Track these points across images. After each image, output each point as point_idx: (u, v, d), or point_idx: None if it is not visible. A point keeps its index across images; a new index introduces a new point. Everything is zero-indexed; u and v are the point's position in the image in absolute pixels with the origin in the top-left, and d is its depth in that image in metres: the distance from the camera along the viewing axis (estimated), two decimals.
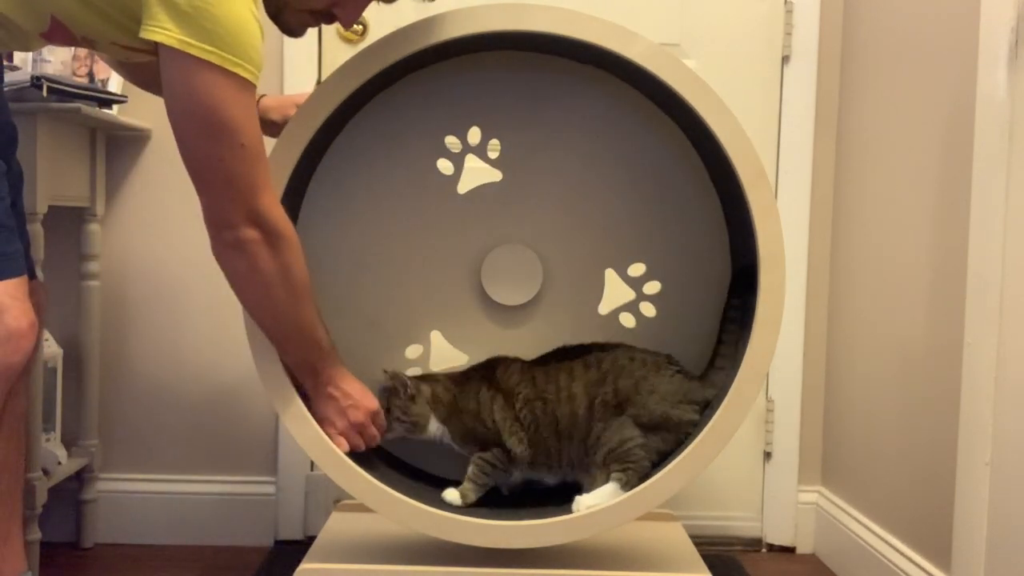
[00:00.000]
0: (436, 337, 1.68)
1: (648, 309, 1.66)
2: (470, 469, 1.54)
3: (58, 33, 1.33)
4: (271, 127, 1.57)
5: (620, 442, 1.47)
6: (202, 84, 1.20)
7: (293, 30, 1.42)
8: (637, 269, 1.66)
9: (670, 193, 1.65)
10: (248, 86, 1.23)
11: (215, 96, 1.20)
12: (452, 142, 1.64)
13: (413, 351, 1.68)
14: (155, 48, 1.22)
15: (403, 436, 1.55)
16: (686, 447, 1.44)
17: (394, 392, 1.53)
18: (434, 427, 1.54)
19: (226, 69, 1.19)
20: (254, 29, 1.22)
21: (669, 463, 1.44)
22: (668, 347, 1.59)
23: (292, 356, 1.43)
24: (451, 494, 1.53)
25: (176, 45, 1.18)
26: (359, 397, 1.46)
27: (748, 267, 1.53)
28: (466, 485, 1.53)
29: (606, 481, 1.47)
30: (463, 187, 1.65)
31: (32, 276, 1.56)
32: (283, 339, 1.42)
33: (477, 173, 1.66)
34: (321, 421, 1.45)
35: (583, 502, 1.46)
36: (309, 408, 1.45)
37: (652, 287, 1.65)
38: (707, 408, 1.50)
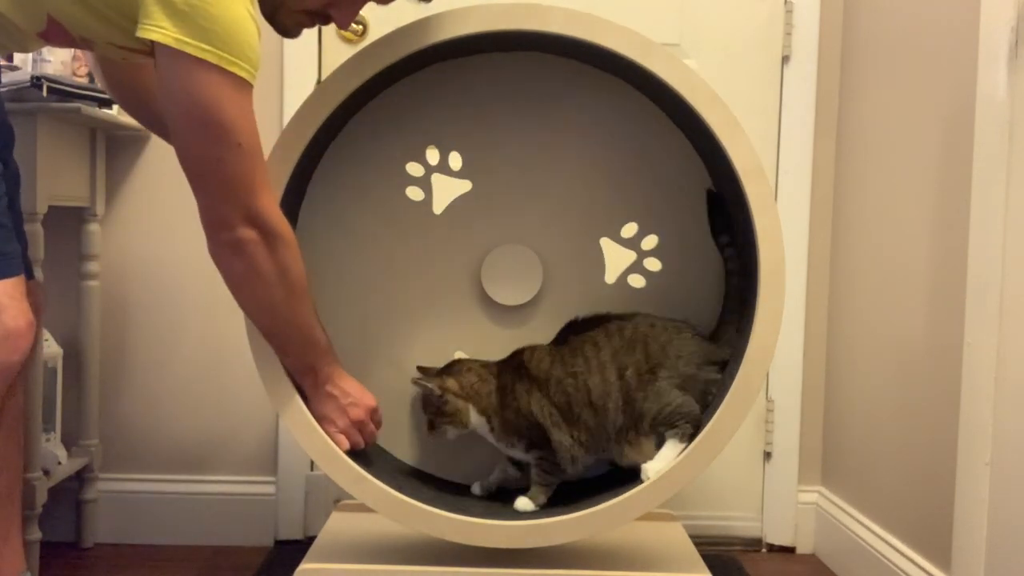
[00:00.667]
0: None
1: (653, 264, 1.66)
2: (533, 473, 1.55)
3: (55, 33, 1.33)
4: None
5: (662, 407, 1.48)
6: (199, 83, 1.19)
7: (289, 30, 1.41)
8: (630, 229, 1.65)
9: (670, 191, 1.65)
10: (245, 85, 1.23)
11: (212, 95, 1.20)
12: (417, 164, 1.64)
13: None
14: (152, 49, 1.22)
15: (458, 435, 1.56)
16: (686, 448, 1.44)
17: (427, 400, 1.54)
18: (475, 419, 1.54)
19: (223, 68, 1.19)
20: (251, 28, 1.22)
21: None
22: (681, 296, 1.62)
23: (290, 356, 1.43)
24: (523, 503, 1.53)
25: (172, 44, 1.17)
26: (358, 395, 1.46)
27: (716, 194, 1.57)
28: (534, 490, 1.53)
29: (655, 446, 1.48)
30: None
31: (30, 276, 1.56)
32: (281, 339, 1.42)
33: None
34: (321, 420, 1.45)
35: (651, 468, 1.45)
36: (308, 407, 1.45)
37: (649, 242, 1.65)
38: (724, 368, 1.52)
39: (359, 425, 1.46)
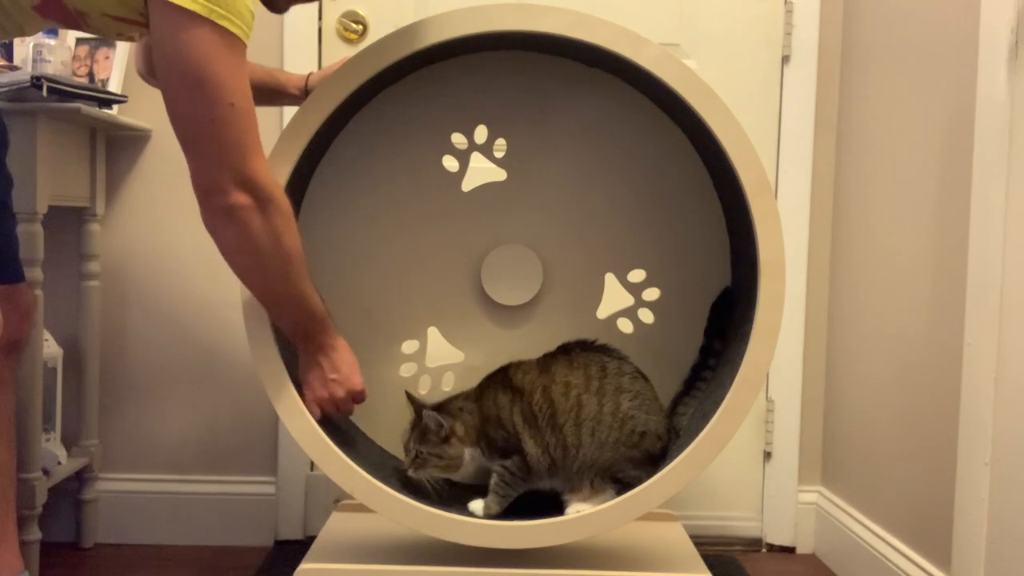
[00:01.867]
0: (433, 335, 1.68)
1: (646, 316, 1.66)
2: (492, 481, 1.52)
3: (51, 6, 1.30)
4: None
5: (616, 466, 1.48)
6: (190, 39, 1.17)
7: (278, 6, 1.39)
8: (637, 275, 1.66)
9: (672, 198, 1.65)
10: (238, 44, 1.20)
11: (202, 51, 1.17)
12: (459, 140, 1.64)
13: (409, 346, 1.68)
14: (146, 21, 1.20)
15: (439, 476, 1.52)
16: (685, 448, 1.44)
17: (426, 433, 1.51)
18: (467, 457, 1.52)
19: (214, 23, 1.16)
20: None
21: (669, 463, 1.44)
22: (664, 354, 1.62)
23: (285, 321, 1.42)
24: (476, 505, 1.51)
25: None
26: (346, 372, 1.45)
27: (727, 292, 1.58)
28: (490, 498, 1.52)
29: (591, 489, 1.49)
30: (468, 185, 1.65)
31: (20, 279, 1.56)
32: (275, 306, 1.40)
33: (482, 172, 1.66)
34: (303, 383, 1.45)
35: (580, 508, 1.46)
36: (299, 368, 1.44)
37: (651, 294, 1.66)
38: (708, 370, 1.55)
39: (336, 401, 1.46)
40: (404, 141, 1.64)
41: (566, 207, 1.66)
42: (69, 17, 1.32)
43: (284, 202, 1.31)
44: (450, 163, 1.65)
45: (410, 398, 1.55)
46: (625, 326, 1.67)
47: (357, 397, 1.48)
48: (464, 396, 1.56)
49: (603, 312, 1.66)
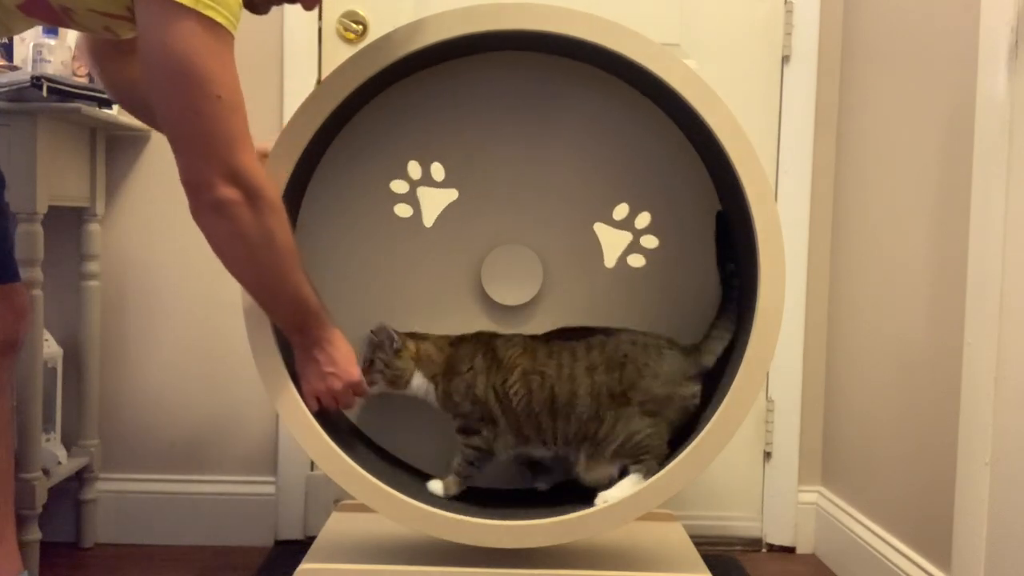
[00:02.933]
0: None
1: (649, 241, 1.66)
2: (455, 461, 1.55)
3: (36, 5, 1.28)
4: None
5: (629, 436, 1.48)
6: (176, 30, 1.15)
7: (257, 7, 1.38)
8: (622, 210, 1.65)
9: (653, 157, 1.65)
10: (224, 35, 1.18)
11: (188, 43, 1.15)
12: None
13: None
14: (133, 16, 1.19)
15: (384, 391, 1.55)
16: (685, 448, 1.44)
17: (379, 346, 1.54)
18: (418, 382, 1.55)
19: (200, 13, 1.15)
20: None
21: (669, 463, 1.44)
22: (683, 268, 1.63)
23: (278, 315, 1.42)
24: (435, 485, 1.55)
25: None
26: (343, 365, 1.45)
27: (720, 217, 1.58)
28: (450, 478, 1.55)
29: (614, 471, 1.50)
30: (428, 219, 1.65)
31: (15, 278, 1.55)
32: (267, 301, 1.39)
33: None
34: (300, 377, 1.45)
35: (607, 495, 1.46)
36: (295, 363, 1.44)
37: (643, 219, 1.65)
38: (706, 375, 1.53)
39: (335, 394, 1.46)
40: (395, 146, 1.64)
41: (565, 205, 1.65)
42: (54, 15, 1.30)
43: (274, 195, 1.29)
44: (402, 209, 1.65)
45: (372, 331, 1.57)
46: (636, 261, 1.66)
47: (356, 389, 1.47)
48: (441, 336, 1.59)
49: (610, 260, 1.66)
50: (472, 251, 1.66)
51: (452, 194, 1.65)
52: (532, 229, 1.66)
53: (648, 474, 1.46)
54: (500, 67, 1.63)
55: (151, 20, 1.16)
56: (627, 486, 1.47)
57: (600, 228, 1.66)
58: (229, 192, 1.23)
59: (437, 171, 1.65)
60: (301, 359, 1.45)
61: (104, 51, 1.54)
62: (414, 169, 1.64)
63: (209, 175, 1.22)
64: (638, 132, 1.64)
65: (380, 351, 1.54)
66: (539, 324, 1.65)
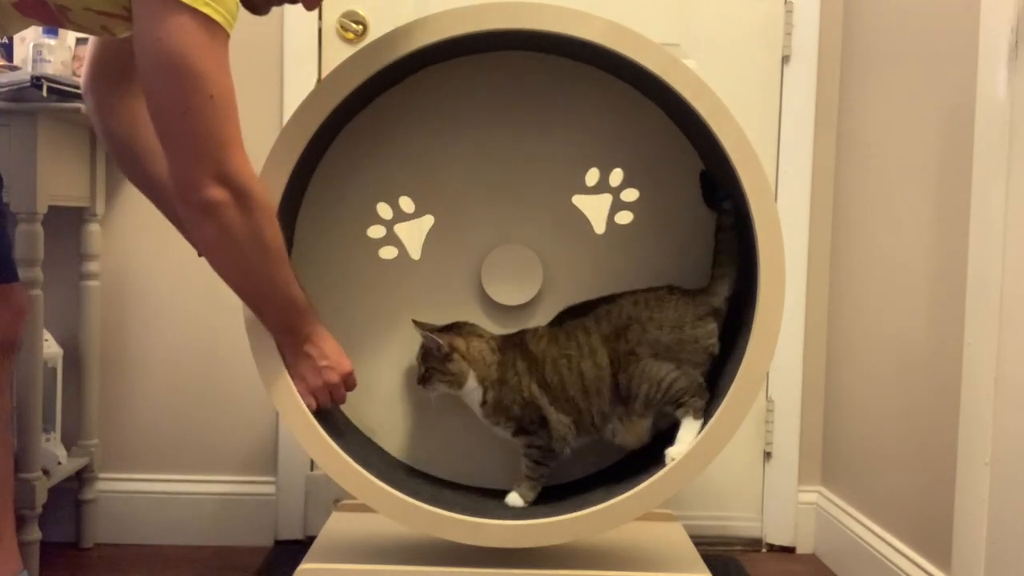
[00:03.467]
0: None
1: (630, 195, 1.65)
2: (523, 466, 1.55)
3: (32, 4, 1.27)
4: None
5: (655, 383, 1.49)
6: (172, 27, 1.13)
7: (257, 7, 1.37)
8: (593, 176, 1.65)
9: (671, 194, 1.65)
10: (220, 33, 1.17)
11: (184, 40, 1.14)
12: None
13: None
14: (129, 15, 1.18)
15: (445, 393, 1.56)
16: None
17: (428, 352, 1.54)
18: (471, 383, 1.54)
19: (196, 10, 1.13)
20: None
21: (669, 464, 1.44)
22: (674, 211, 1.64)
23: (268, 317, 1.41)
24: (513, 498, 1.55)
25: None
26: (335, 358, 1.45)
27: (705, 173, 1.58)
28: (524, 485, 1.55)
29: (649, 427, 1.52)
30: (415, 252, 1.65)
31: (13, 278, 1.55)
32: (257, 302, 1.39)
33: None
34: (293, 377, 1.44)
35: (674, 451, 1.46)
36: (285, 364, 1.44)
37: (616, 176, 1.65)
38: (718, 316, 1.53)
39: (331, 387, 1.45)
40: (390, 146, 1.64)
41: (565, 204, 1.65)
42: (50, 15, 1.30)
43: (263, 196, 1.28)
44: (380, 245, 1.65)
45: (416, 324, 1.56)
46: (624, 218, 1.65)
47: (348, 381, 1.47)
48: (492, 337, 1.59)
49: (599, 227, 1.66)
50: (472, 251, 1.66)
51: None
52: (532, 229, 1.66)
53: (697, 414, 1.47)
54: (499, 66, 1.63)
55: (147, 15, 1.15)
56: (686, 435, 1.47)
57: (579, 199, 1.65)
58: (218, 193, 1.22)
59: (406, 204, 1.65)
60: (293, 358, 1.44)
61: (107, 82, 1.51)
62: (384, 210, 1.65)
63: (199, 175, 1.21)
64: (637, 127, 1.64)
65: (431, 359, 1.54)
66: (539, 324, 1.65)
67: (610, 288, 1.61)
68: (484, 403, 1.55)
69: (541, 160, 1.65)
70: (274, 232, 1.31)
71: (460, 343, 1.54)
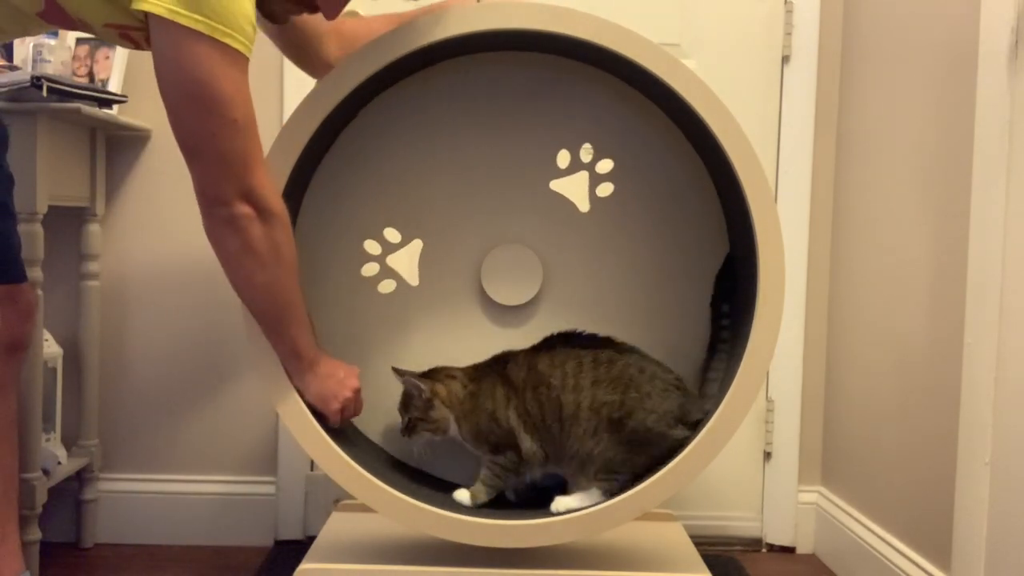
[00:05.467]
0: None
1: (605, 166, 1.64)
2: (482, 472, 1.54)
3: (54, 13, 1.31)
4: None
5: (609, 459, 1.48)
6: (192, 56, 1.17)
7: (276, 16, 1.40)
8: (564, 158, 1.64)
9: (671, 192, 1.65)
10: (239, 58, 1.21)
11: (205, 69, 1.18)
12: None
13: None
14: (147, 27, 1.20)
15: (430, 440, 1.55)
16: (685, 448, 1.44)
17: (409, 400, 1.53)
18: (454, 428, 1.54)
19: (216, 40, 1.17)
20: (245, 0, 1.20)
21: (669, 463, 1.44)
22: (655, 170, 1.63)
23: (280, 336, 1.42)
24: (462, 494, 1.53)
25: (165, 14, 1.16)
26: (344, 375, 1.47)
27: (730, 259, 1.56)
28: (477, 487, 1.54)
29: (587, 486, 1.49)
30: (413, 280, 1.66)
31: (22, 279, 1.56)
32: (272, 319, 1.40)
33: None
34: (322, 400, 1.45)
35: (561, 503, 1.47)
36: (297, 389, 1.45)
37: (586, 152, 1.64)
38: (697, 425, 1.50)
39: (348, 401, 1.47)
40: (396, 146, 1.64)
41: (566, 204, 1.65)
42: (71, 23, 1.34)
43: (284, 213, 1.33)
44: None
45: (396, 371, 1.55)
46: (605, 190, 1.65)
47: (358, 396, 1.50)
48: (463, 371, 1.57)
49: (583, 205, 1.65)
50: (472, 251, 1.66)
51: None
52: (532, 229, 1.66)
53: (608, 494, 1.46)
54: (499, 66, 1.63)
55: (167, 44, 1.19)
56: (585, 499, 1.47)
57: (557, 184, 1.65)
58: (243, 208, 1.28)
59: (392, 235, 1.65)
60: (312, 380, 1.45)
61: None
62: (372, 246, 1.65)
63: (225, 193, 1.26)
64: (639, 129, 1.64)
65: (413, 406, 1.53)
66: (539, 324, 1.65)
67: (606, 276, 1.63)
68: (460, 431, 1.54)
69: (518, 153, 1.65)
70: (290, 247, 1.36)
71: (441, 389, 1.53)
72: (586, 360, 1.51)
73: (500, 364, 1.56)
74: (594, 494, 1.48)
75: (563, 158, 1.64)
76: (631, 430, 1.47)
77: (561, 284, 1.67)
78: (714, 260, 1.62)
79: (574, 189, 1.65)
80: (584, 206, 1.65)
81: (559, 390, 1.50)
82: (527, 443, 1.51)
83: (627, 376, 1.49)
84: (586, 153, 1.64)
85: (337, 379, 1.46)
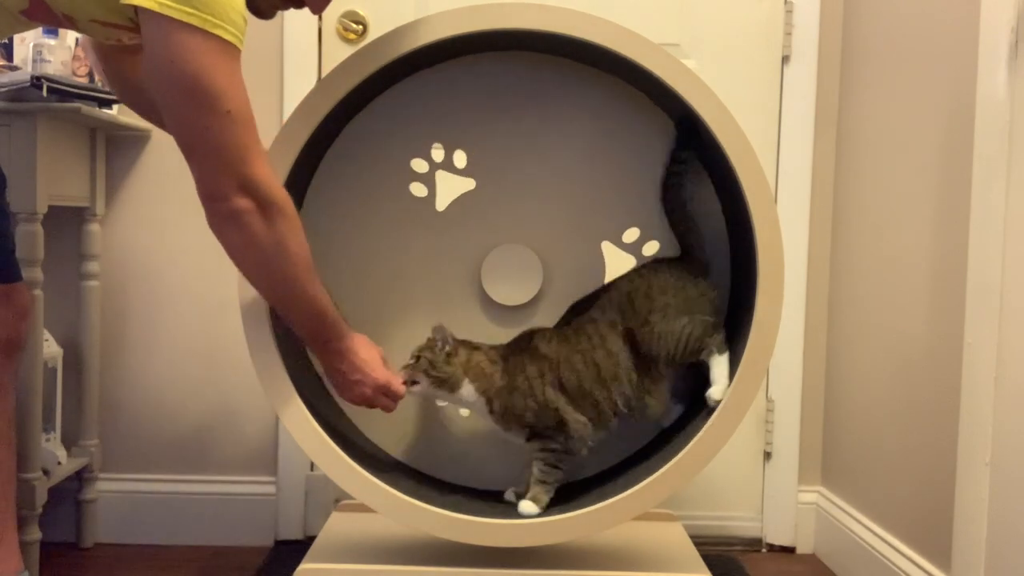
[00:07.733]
0: None
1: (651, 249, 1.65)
2: (535, 471, 1.52)
3: (38, 11, 1.29)
4: None
5: (672, 339, 1.51)
6: (183, 48, 1.16)
7: (263, 12, 1.38)
8: (632, 234, 1.65)
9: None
10: (231, 49, 1.19)
11: (197, 61, 1.17)
12: (421, 161, 1.64)
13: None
14: (136, 26, 1.20)
15: (427, 392, 1.53)
16: (685, 447, 1.44)
17: (429, 346, 1.52)
18: (467, 392, 1.52)
19: (207, 31, 1.16)
20: None
21: (669, 463, 1.44)
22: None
23: (297, 327, 1.42)
24: (527, 506, 1.49)
25: (155, 7, 1.14)
26: (367, 370, 1.45)
27: (685, 118, 1.56)
28: (535, 489, 1.51)
29: (667, 388, 1.54)
30: (442, 204, 1.66)
31: (17, 278, 1.56)
32: (286, 309, 1.40)
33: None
34: (335, 392, 1.48)
35: (716, 392, 1.47)
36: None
37: (650, 248, 1.65)
38: (708, 270, 1.58)
39: (367, 400, 1.46)
40: (404, 141, 1.64)
41: (566, 205, 1.65)
42: (57, 21, 1.32)
43: (288, 205, 1.31)
44: (418, 188, 1.65)
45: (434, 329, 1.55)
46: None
47: (387, 391, 1.47)
48: (492, 348, 1.57)
49: (609, 277, 1.66)
50: (472, 251, 1.66)
51: (457, 191, 1.65)
52: (532, 229, 1.66)
53: (721, 348, 1.49)
54: (500, 66, 1.63)
55: (158, 38, 1.17)
56: (719, 373, 1.48)
57: (607, 247, 1.66)
58: (243, 202, 1.25)
59: (460, 158, 1.65)
60: (328, 373, 1.46)
61: (109, 50, 1.55)
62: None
63: (224, 187, 1.25)
64: (640, 132, 1.63)
65: (428, 350, 1.52)
66: (539, 324, 1.65)
67: (606, 276, 1.61)
68: (492, 412, 1.53)
69: (518, 153, 1.65)
70: (299, 242, 1.33)
71: (462, 351, 1.53)
72: (595, 313, 1.55)
73: (526, 342, 1.56)
74: (721, 362, 1.48)
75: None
76: (661, 318, 1.51)
77: (561, 284, 1.67)
78: (714, 260, 1.62)
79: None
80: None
81: (590, 352, 1.52)
82: (571, 415, 1.51)
83: (624, 293, 1.55)
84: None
85: (356, 376, 1.44)
